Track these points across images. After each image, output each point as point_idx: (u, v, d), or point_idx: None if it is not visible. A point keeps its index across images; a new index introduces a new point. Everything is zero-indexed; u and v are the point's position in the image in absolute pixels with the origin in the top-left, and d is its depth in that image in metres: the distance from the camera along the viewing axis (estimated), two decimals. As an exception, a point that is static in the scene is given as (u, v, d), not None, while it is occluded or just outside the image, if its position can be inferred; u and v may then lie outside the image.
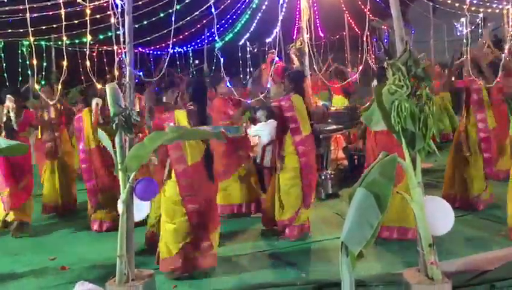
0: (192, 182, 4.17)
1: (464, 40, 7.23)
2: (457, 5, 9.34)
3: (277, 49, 5.27)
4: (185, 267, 4.19)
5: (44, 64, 9.85)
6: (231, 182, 5.94)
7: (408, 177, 3.27)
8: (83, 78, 9.98)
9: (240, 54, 13.27)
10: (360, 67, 9.20)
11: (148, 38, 10.71)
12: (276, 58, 6.01)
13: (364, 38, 6.34)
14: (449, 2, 9.75)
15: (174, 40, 4.23)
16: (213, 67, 12.61)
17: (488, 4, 10.06)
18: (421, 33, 12.81)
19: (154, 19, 9.23)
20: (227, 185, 5.91)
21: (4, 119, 5.81)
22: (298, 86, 5.36)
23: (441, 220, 3.28)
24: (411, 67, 3.19)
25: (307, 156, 5.12)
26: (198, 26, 11.30)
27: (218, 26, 8.41)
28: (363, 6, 9.07)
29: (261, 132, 6.86)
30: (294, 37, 9.16)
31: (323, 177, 6.87)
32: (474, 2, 9.12)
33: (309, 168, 5.15)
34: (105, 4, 5.92)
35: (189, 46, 14.47)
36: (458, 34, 13.90)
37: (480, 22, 9.43)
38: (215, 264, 4.33)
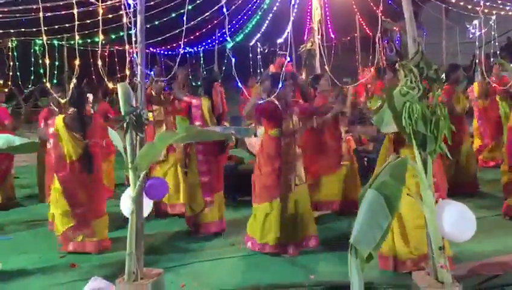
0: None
1: (477, 43, 7.23)
2: (470, 7, 9.25)
3: (288, 50, 5.24)
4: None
5: (57, 63, 9.97)
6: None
7: (419, 180, 3.25)
8: (94, 77, 10.10)
9: (250, 55, 13.28)
10: (372, 69, 9.16)
11: (159, 39, 10.76)
12: (288, 59, 5.96)
13: (377, 40, 6.30)
14: (462, 4, 9.67)
15: (185, 40, 4.24)
16: (223, 68, 12.64)
17: (501, 6, 9.96)
18: (433, 35, 12.72)
19: (165, 19, 9.27)
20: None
21: None
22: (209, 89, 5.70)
23: (461, 226, 3.18)
24: (423, 69, 3.17)
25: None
26: (209, 26, 11.33)
27: (229, 26, 8.42)
28: (374, 8, 9.03)
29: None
30: (305, 38, 9.15)
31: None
32: (488, 4, 9.04)
33: None
34: (117, 4, 5.95)
35: (199, 46, 14.53)
36: (470, 36, 13.78)
37: (493, 24, 9.34)
38: (95, 251, 4.97)
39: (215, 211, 5.50)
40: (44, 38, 4.79)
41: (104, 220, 5.15)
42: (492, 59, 8.68)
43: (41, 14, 4.44)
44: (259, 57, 13.20)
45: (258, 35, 11.29)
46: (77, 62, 4.54)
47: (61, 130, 4.94)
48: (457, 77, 6.55)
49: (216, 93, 5.79)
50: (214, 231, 5.47)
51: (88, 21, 6.99)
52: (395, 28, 13.09)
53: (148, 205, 3.80)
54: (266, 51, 13.49)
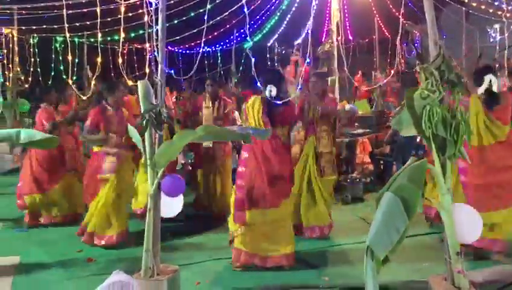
0: None
1: (497, 47, 7.20)
2: (491, 10, 9.15)
3: (308, 51, 5.23)
4: None
5: (77, 60, 10.10)
6: None
7: (438, 184, 3.22)
8: (113, 74, 10.21)
9: (268, 55, 13.30)
10: (392, 71, 9.12)
11: (178, 38, 10.84)
12: (307, 60, 5.95)
13: (397, 42, 6.27)
14: (482, 7, 9.56)
15: (204, 39, 4.27)
16: (241, 68, 12.69)
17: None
18: (453, 38, 12.59)
19: (185, 18, 9.34)
20: None
21: None
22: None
23: (468, 228, 3.20)
24: (444, 72, 3.15)
25: None
26: (228, 26, 11.38)
27: (248, 26, 8.47)
28: (394, 10, 8.98)
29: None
30: (323, 40, 9.13)
31: (349, 181, 6.84)
32: (510, 8, 8.93)
33: None
34: (138, 2, 6.01)
35: (217, 46, 14.59)
36: (491, 40, 13.61)
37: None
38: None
39: None
40: (67, 35, 4.87)
41: None
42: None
43: (64, 11, 4.51)
44: (278, 57, 13.21)
45: (276, 35, 11.30)
46: (99, 60, 4.61)
47: None
48: None
49: (167, 98, 5.64)
50: None
51: (109, 19, 7.08)
52: (415, 30, 12.99)
53: (178, 204, 3.83)
54: (284, 52, 13.49)
